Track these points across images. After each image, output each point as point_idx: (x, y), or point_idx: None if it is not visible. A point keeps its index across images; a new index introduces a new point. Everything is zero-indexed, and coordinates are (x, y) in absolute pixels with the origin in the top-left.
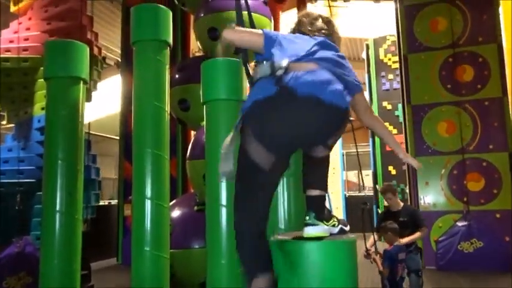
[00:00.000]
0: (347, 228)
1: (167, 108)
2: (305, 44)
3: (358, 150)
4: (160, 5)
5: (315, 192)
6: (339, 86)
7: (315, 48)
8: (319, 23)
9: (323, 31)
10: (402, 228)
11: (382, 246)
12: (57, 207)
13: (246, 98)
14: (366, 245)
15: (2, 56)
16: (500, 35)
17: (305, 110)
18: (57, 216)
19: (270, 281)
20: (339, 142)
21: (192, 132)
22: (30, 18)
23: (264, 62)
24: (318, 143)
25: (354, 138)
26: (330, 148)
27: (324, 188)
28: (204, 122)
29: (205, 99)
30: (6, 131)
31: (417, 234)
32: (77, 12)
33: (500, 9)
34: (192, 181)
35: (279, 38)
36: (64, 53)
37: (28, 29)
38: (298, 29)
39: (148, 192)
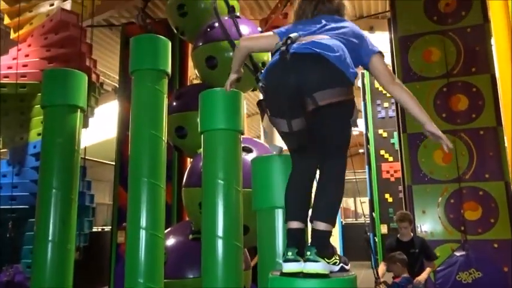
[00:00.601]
0: (348, 266)
1: (164, 137)
2: (315, 23)
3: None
4: (159, 36)
5: (321, 226)
6: (347, 57)
7: (326, 23)
8: (322, 5)
9: (326, 10)
10: (412, 260)
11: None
12: (50, 237)
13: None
14: (375, 274)
15: None
16: (493, 66)
17: (302, 64)
18: (49, 245)
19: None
20: None
21: (189, 160)
22: (29, 45)
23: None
24: (311, 91)
25: (352, 164)
26: (327, 105)
27: (332, 220)
28: (202, 151)
29: (202, 129)
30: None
31: (429, 269)
32: (76, 39)
33: (492, 41)
34: (187, 209)
35: (290, 28)
36: (62, 81)
37: (27, 55)
38: (303, 13)
39: (143, 222)
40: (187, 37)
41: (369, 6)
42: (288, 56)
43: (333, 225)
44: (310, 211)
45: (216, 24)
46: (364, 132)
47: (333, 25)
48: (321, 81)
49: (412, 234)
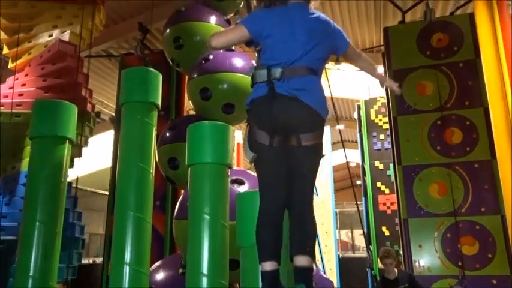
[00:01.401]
0: None
1: (152, 170)
2: (289, 23)
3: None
4: (150, 68)
5: (305, 262)
6: (322, 96)
7: (299, 21)
8: None
9: None
10: None
11: None
12: (31, 272)
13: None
14: None
15: None
16: (486, 99)
17: (290, 108)
18: (30, 281)
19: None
20: (331, 200)
21: (182, 191)
22: (26, 75)
23: (261, 69)
24: (297, 132)
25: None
26: (306, 143)
27: (314, 253)
28: (189, 183)
29: (189, 162)
30: None
31: None
32: (73, 70)
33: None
34: (178, 241)
35: (260, 18)
36: (51, 112)
37: (24, 84)
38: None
39: (128, 257)
40: (183, 69)
41: (363, 39)
42: (275, 95)
43: (314, 258)
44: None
45: (211, 57)
46: (361, 164)
47: (307, 26)
48: (305, 125)
49: (396, 270)
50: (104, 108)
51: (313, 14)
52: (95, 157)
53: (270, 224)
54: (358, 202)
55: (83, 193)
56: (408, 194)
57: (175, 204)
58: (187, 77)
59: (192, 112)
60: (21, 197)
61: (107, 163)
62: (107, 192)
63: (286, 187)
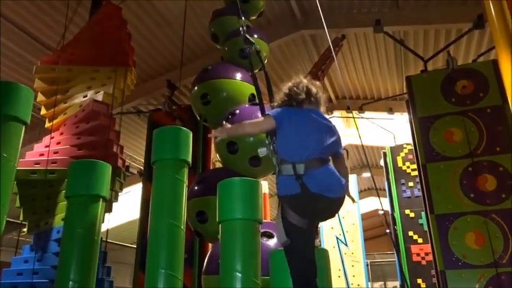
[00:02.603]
0: None
1: (183, 226)
2: (311, 134)
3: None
4: (182, 127)
5: None
6: (342, 180)
7: (318, 123)
8: (307, 95)
9: (312, 99)
10: None
11: None
12: None
13: (278, 185)
14: None
15: (30, 168)
16: None
17: (319, 201)
18: None
19: None
20: (362, 250)
21: (210, 245)
22: (62, 133)
23: (286, 164)
24: (328, 217)
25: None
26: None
27: None
28: (220, 240)
29: (220, 219)
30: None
31: None
32: (105, 128)
33: None
34: None
35: (284, 115)
36: (87, 172)
37: (59, 143)
38: (290, 100)
39: None
40: (210, 124)
41: (386, 88)
42: (308, 192)
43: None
44: None
45: (237, 111)
46: (390, 212)
47: (324, 126)
48: (334, 210)
49: None
50: (133, 162)
51: (327, 119)
52: (122, 210)
53: (309, 275)
54: (391, 252)
55: (110, 246)
56: (443, 244)
57: (202, 258)
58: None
59: (218, 163)
60: (53, 253)
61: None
62: (134, 246)
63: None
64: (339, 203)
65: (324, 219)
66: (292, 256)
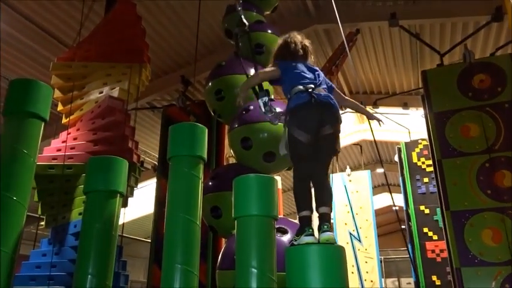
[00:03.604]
0: None
1: (199, 222)
2: (309, 70)
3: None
4: (197, 123)
5: (326, 210)
6: (333, 99)
7: (315, 71)
8: (301, 48)
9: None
10: None
11: None
12: None
13: (290, 102)
14: None
15: (48, 163)
16: None
17: (324, 108)
18: None
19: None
20: (375, 246)
21: (223, 240)
22: (78, 129)
23: (297, 86)
24: (328, 123)
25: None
26: (334, 130)
27: (331, 204)
28: (235, 236)
29: (236, 215)
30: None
31: None
32: (120, 123)
33: None
34: None
35: (288, 64)
36: (104, 168)
37: (75, 138)
38: (287, 54)
39: None
40: (224, 119)
41: (401, 83)
42: (313, 100)
43: (331, 207)
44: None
45: (251, 107)
46: (404, 208)
47: (317, 73)
48: (333, 118)
49: None
50: (147, 157)
51: (318, 69)
52: (136, 205)
53: (304, 186)
54: (404, 249)
55: (124, 240)
56: (459, 241)
57: (216, 253)
58: (227, 126)
59: (231, 159)
60: (70, 246)
61: (147, 210)
62: (148, 240)
63: (313, 160)
64: (337, 116)
65: (324, 134)
66: (296, 157)
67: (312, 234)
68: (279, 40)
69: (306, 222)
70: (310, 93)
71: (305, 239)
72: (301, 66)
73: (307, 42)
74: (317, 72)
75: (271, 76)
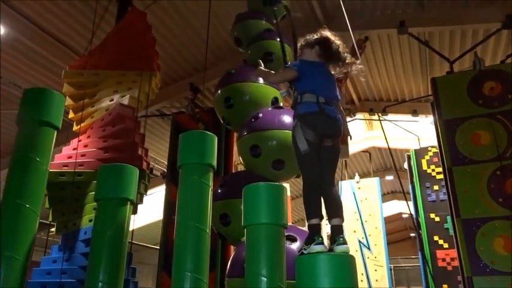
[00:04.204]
0: None
1: (209, 229)
2: (326, 74)
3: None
4: (206, 131)
5: (339, 222)
6: (337, 114)
7: (331, 88)
8: (336, 51)
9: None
10: None
11: None
12: None
13: (299, 108)
14: None
15: (58, 170)
16: None
17: (329, 119)
18: None
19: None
20: (385, 254)
21: (232, 247)
22: (89, 136)
23: (309, 93)
24: (330, 136)
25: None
26: (334, 143)
27: (343, 216)
28: (245, 244)
29: (245, 223)
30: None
31: None
32: (131, 131)
33: None
34: None
35: (306, 66)
36: (115, 175)
37: (86, 146)
38: (323, 50)
39: None
40: (233, 127)
41: (410, 90)
42: (321, 112)
43: (343, 218)
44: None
45: (260, 115)
46: (415, 216)
47: (333, 83)
48: (335, 131)
49: None
50: (156, 164)
51: (330, 72)
52: (144, 211)
53: (314, 192)
54: (415, 256)
55: (134, 247)
56: (470, 249)
57: (225, 261)
58: (235, 134)
59: (240, 166)
60: (81, 253)
61: (155, 217)
62: (156, 246)
63: (318, 167)
64: (339, 130)
65: (329, 135)
66: (304, 164)
67: (322, 243)
68: (314, 35)
69: (315, 231)
70: (319, 106)
71: (315, 248)
72: (321, 72)
73: (341, 46)
74: (333, 82)
75: (290, 79)
